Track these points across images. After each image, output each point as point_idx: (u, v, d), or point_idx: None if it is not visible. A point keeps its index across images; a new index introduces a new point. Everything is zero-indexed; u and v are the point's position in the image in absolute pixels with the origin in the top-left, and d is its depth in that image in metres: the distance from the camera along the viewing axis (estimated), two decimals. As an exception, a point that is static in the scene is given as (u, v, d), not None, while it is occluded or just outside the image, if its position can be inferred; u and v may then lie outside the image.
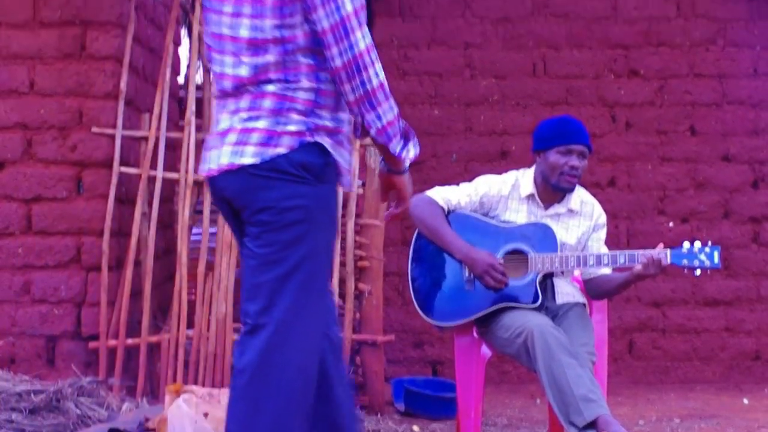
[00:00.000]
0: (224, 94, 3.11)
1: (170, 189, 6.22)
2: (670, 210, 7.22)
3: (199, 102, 6.07)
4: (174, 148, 6.12)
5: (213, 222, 5.86)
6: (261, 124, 3.00)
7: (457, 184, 4.64)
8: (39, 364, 5.66)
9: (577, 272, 4.71)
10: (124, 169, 5.72)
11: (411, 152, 3.09)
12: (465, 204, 4.58)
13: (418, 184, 4.75)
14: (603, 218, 4.70)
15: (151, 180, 5.82)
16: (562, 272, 4.55)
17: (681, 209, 7.22)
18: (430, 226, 4.53)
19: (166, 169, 5.85)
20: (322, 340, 3.12)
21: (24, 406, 4.83)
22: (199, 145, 5.87)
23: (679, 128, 7.27)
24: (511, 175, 4.68)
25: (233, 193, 3.07)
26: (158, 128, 5.84)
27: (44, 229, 5.70)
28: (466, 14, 7.35)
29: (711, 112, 7.30)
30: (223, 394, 4.45)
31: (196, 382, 5.60)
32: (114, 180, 5.66)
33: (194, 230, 6.14)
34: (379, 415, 5.75)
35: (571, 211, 4.61)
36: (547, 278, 4.53)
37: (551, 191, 4.57)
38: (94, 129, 5.68)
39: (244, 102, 3.04)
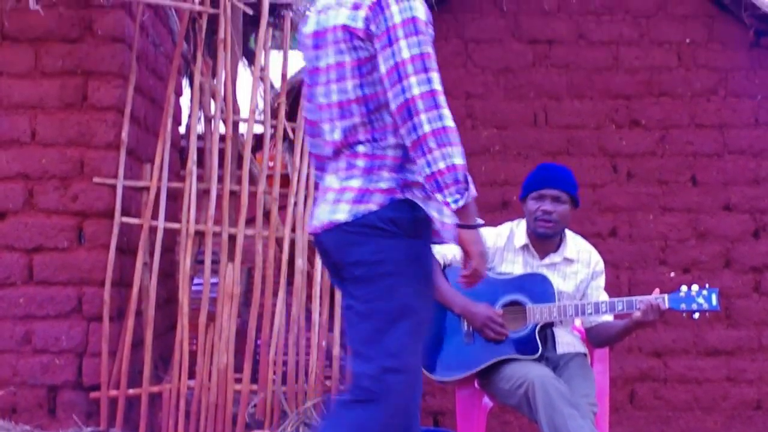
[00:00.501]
0: (327, 159, 3.22)
1: (171, 239, 6.22)
2: (672, 260, 7.20)
3: (201, 152, 6.07)
4: (175, 198, 6.14)
5: (214, 272, 5.86)
6: (355, 183, 3.09)
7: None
8: (40, 414, 5.64)
9: (578, 322, 4.70)
10: (125, 219, 5.73)
11: (460, 203, 3.00)
12: (461, 258, 4.57)
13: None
14: (601, 265, 4.70)
15: (153, 230, 5.82)
16: (561, 321, 4.55)
17: (682, 259, 7.20)
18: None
19: (167, 219, 5.86)
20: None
21: (25, 456, 4.84)
22: (200, 195, 5.90)
23: (680, 178, 7.26)
24: (506, 227, 4.70)
25: (331, 250, 3.16)
26: (159, 178, 5.85)
27: (45, 279, 5.70)
28: (467, 65, 7.36)
29: (712, 162, 7.29)
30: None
31: (196, 433, 5.59)
32: (115, 230, 5.66)
33: (195, 280, 6.15)
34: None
35: (567, 259, 4.62)
36: (547, 328, 4.53)
37: (542, 240, 4.59)
38: (96, 179, 5.70)
39: (342, 163, 3.14)
